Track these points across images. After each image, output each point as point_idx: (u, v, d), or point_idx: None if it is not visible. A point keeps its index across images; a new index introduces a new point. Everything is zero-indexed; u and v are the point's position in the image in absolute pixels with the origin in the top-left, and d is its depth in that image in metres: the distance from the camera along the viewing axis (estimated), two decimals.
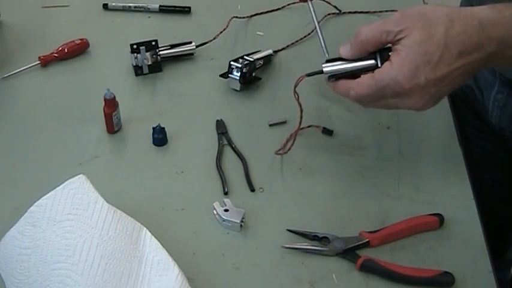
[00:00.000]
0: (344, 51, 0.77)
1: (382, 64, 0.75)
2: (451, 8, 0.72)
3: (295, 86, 0.83)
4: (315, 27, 0.83)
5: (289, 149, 0.89)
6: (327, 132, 0.93)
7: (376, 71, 0.74)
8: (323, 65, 0.79)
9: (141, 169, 0.90)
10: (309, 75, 0.81)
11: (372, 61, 0.76)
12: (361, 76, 0.76)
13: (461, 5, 1.06)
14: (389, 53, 0.74)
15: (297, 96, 0.84)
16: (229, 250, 0.80)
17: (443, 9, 0.71)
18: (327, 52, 0.81)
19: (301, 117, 0.86)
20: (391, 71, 0.72)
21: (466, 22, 0.70)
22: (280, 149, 0.90)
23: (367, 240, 0.79)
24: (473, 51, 0.70)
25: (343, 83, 0.78)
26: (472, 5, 0.98)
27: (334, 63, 0.79)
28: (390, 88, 0.73)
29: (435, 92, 0.72)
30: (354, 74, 0.77)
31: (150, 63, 1.04)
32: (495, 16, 0.70)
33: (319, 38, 0.83)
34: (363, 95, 0.75)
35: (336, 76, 0.78)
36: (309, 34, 1.11)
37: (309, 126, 0.93)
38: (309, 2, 0.86)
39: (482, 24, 0.70)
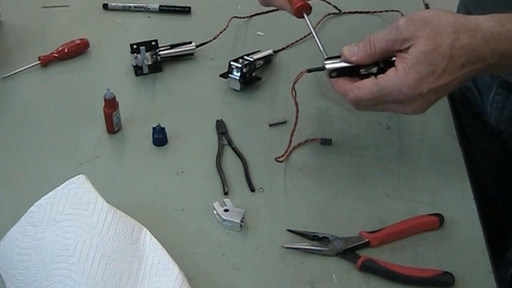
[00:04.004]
0: (349, 54, 0.77)
1: (384, 66, 0.75)
2: (454, 16, 0.72)
3: (295, 82, 0.82)
4: (315, 39, 0.84)
5: (286, 152, 0.89)
6: (326, 142, 0.92)
7: (380, 77, 0.74)
8: (325, 62, 0.79)
9: (141, 169, 0.90)
10: (309, 71, 0.81)
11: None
12: (363, 80, 0.76)
13: (458, 7, 1.06)
14: (393, 59, 0.74)
15: (294, 95, 0.83)
16: (229, 250, 0.80)
17: (447, 18, 0.72)
18: (326, 53, 0.81)
19: (296, 118, 0.86)
20: (396, 79, 0.72)
21: (471, 34, 0.71)
22: (281, 156, 0.89)
23: (367, 240, 0.79)
24: (476, 62, 0.71)
25: (343, 83, 0.78)
26: (467, 9, 0.99)
27: (335, 61, 0.78)
28: (393, 95, 0.73)
29: (434, 99, 0.74)
30: (355, 71, 0.77)
31: (150, 63, 1.04)
32: (498, 29, 0.71)
33: (318, 44, 0.83)
34: (363, 99, 0.75)
35: (337, 73, 0.78)
36: (309, 34, 1.11)
37: (305, 141, 0.92)
38: (305, 16, 0.87)
39: (485, 38, 0.70)
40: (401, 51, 0.73)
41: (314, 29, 0.87)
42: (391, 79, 0.73)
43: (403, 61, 0.72)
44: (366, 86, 0.75)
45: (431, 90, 0.72)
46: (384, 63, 0.76)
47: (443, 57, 0.71)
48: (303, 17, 0.87)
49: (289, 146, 0.89)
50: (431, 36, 0.71)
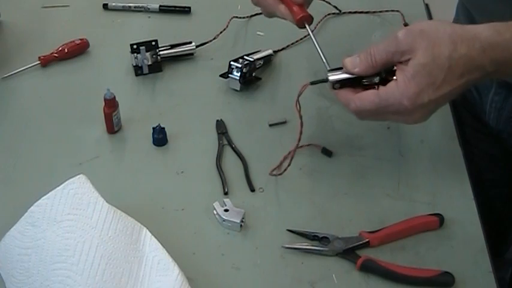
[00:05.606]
0: (351, 65, 0.77)
1: (386, 75, 0.76)
2: (452, 27, 0.73)
3: (299, 95, 0.82)
4: (316, 48, 0.85)
5: (285, 170, 0.86)
6: (326, 152, 0.91)
7: (381, 88, 0.75)
8: (328, 74, 0.79)
9: (141, 169, 0.90)
10: (313, 83, 0.82)
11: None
12: (365, 91, 0.77)
13: (457, 7, 1.06)
14: (394, 69, 0.75)
15: (298, 108, 0.82)
16: (229, 250, 0.80)
17: (445, 28, 0.72)
18: (328, 65, 0.82)
19: (300, 133, 0.83)
20: (397, 91, 0.73)
21: (469, 45, 0.71)
22: (274, 169, 0.88)
23: (367, 240, 0.79)
24: (475, 71, 0.72)
25: (345, 94, 0.79)
26: (466, 8, 0.99)
27: (337, 72, 0.79)
28: (394, 107, 0.74)
29: (434, 108, 0.75)
30: (358, 82, 0.78)
31: (150, 63, 1.04)
32: (496, 38, 0.71)
33: (320, 55, 0.84)
34: (365, 110, 0.77)
35: (341, 84, 0.79)
36: (309, 34, 1.11)
37: (308, 145, 0.91)
38: (307, 27, 0.87)
39: (483, 47, 0.71)
40: (401, 62, 0.74)
41: (314, 34, 0.87)
42: (391, 91, 0.74)
43: (403, 73, 0.73)
44: (368, 98, 0.76)
45: (432, 101, 0.73)
46: (385, 72, 0.77)
47: (442, 68, 0.71)
48: (305, 27, 0.88)
49: (289, 165, 0.86)
50: (429, 48, 0.72)
